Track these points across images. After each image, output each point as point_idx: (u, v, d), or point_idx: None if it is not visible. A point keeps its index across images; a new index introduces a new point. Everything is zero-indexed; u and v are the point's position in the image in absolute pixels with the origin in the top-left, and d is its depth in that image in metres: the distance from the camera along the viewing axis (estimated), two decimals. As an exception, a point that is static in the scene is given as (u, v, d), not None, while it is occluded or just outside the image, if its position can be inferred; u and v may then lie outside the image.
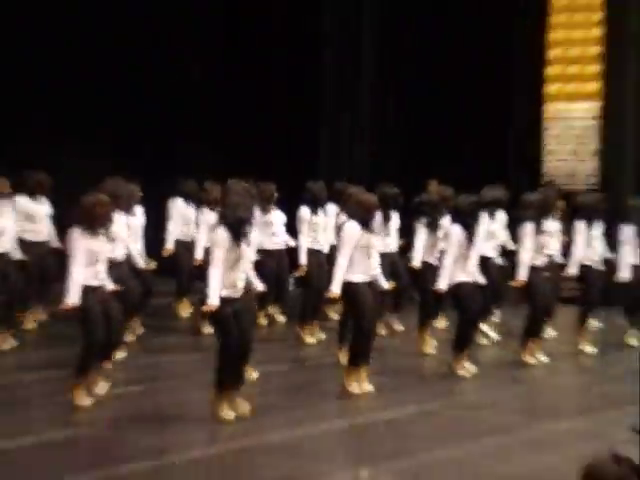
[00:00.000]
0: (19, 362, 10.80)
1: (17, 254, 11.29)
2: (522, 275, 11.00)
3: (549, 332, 12.61)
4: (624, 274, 12.29)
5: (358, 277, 9.33)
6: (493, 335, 12.32)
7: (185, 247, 12.81)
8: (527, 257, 10.98)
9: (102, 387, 9.00)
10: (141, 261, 10.84)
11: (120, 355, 10.20)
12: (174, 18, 18.04)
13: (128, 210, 10.71)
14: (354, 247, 9.26)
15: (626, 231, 12.36)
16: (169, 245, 12.73)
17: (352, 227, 9.33)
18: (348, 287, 9.32)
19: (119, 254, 10.04)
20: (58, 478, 6.97)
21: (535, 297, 11.15)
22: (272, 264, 12.22)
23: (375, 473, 7.25)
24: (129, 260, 10.45)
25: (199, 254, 12.09)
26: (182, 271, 12.87)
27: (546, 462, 7.75)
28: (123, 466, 7.26)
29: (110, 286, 9.13)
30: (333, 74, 18.23)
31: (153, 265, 11.40)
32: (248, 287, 8.61)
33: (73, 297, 8.64)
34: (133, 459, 7.43)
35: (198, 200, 12.78)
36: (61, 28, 16.54)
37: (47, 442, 7.90)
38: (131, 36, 17.11)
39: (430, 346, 11.59)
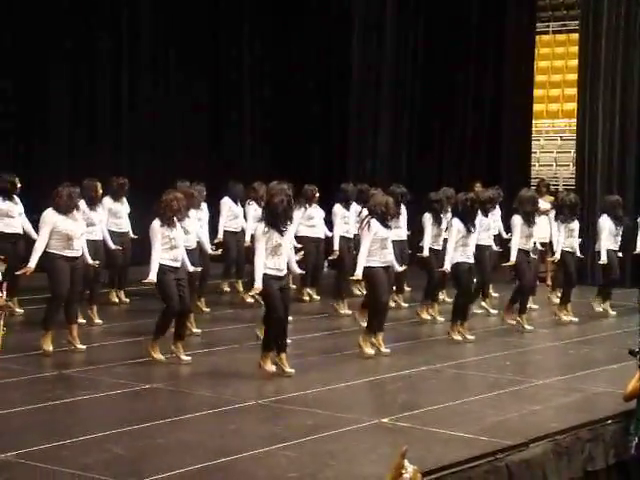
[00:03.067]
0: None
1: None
2: (512, 257, 10.96)
3: (532, 305, 12.53)
4: (603, 258, 12.14)
5: (375, 263, 9.36)
6: (490, 308, 12.24)
7: (232, 237, 12.79)
8: (516, 243, 10.95)
9: (184, 356, 8.99)
10: (209, 248, 10.75)
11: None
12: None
13: (198, 206, 10.75)
14: (373, 240, 9.29)
15: (602, 222, 12.22)
16: (220, 235, 12.70)
17: (374, 224, 9.34)
18: (368, 271, 9.36)
19: (193, 243, 10.00)
20: (138, 421, 6.95)
21: (523, 275, 11.13)
22: (313, 250, 12.28)
23: (393, 420, 7.19)
24: (200, 247, 10.36)
25: (248, 240, 12.21)
26: (229, 257, 12.83)
27: (532, 410, 7.68)
28: (189, 413, 7.25)
29: (190, 268, 9.18)
30: (357, 95, 18.16)
31: (219, 252, 11.37)
32: (289, 270, 8.58)
33: (152, 275, 8.65)
34: (197, 407, 7.42)
35: (245, 198, 12.76)
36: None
37: (131, 393, 7.91)
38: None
39: (431, 315, 11.55)
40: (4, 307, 7.28)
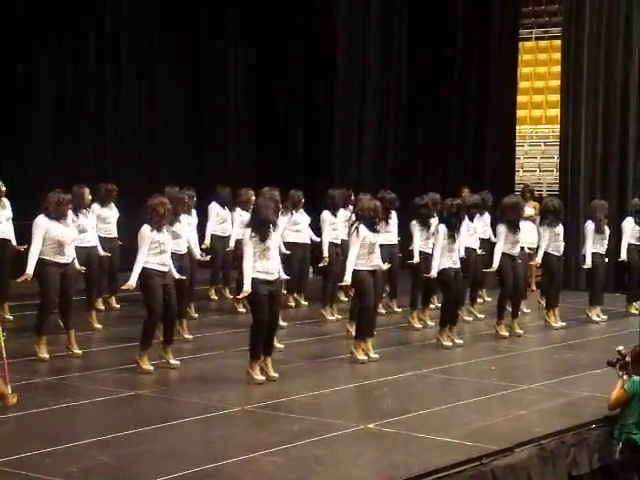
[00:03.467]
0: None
1: None
2: (495, 264, 10.99)
3: (524, 310, 12.56)
4: (588, 262, 12.18)
5: (362, 267, 9.35)
6: (477, 313, 12.27)
7: (220, 242, 12.78)
8: (499, 250, 10.94)
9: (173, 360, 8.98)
10: (198, 253, 10.70)
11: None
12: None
13: (189, 211, 10.76)
14: (361, 245, 9.28)
15: (588, 226, 12.26)
16: (206, 241, 12.68)
17: (362, 229, 9.34)
18: (355, 275, 9.35)
19: (183, 247, 9.97)
20: (124, 428, 6.92)
21: (504, 281, 11.11)
22: (298, 255, 12.27)
23: (379, 426, 7.18)
24: (189, 252, 10.32)
25: (232, 245, 12.38)
26: (216, 263, 12.82)
27: (517, 415, 7.70)
28: (175, 419, 7.23)
29: (176, 275, 9.12)
30: (342, 103, 18.19)
31: (207, 258, 11.33)
32: (277, 275, 8.55)
33: (132, 280, 8.64)
34: (183, 414, 7.40)
35: (232, 203, 12.77)
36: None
37: (116, 400, 7.89)
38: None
39: (420, 322, 11.51)
40: None
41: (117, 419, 7.39)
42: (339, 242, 12.15)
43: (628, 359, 7.50)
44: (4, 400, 7.26)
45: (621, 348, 7.67)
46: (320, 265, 12.28)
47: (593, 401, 8.05)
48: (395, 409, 7.73)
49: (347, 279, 9.39)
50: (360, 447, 6.76)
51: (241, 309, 11.85)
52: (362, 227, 9.36)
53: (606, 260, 12.46)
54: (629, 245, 12.86)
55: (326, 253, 12.10)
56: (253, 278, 8.27)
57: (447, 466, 6.26)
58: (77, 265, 9.54)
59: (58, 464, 6.09)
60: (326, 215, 12.25)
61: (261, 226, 8.34)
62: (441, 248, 10.21)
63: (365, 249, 9.32)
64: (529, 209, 13.24)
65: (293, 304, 12.82)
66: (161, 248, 8.77)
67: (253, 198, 11.93)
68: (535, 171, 20.19)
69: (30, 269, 8.87)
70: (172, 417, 7.28)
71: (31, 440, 6.63)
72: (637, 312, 12.51)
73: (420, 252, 11.41)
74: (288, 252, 11.41)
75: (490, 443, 6.75)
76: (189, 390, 8.25)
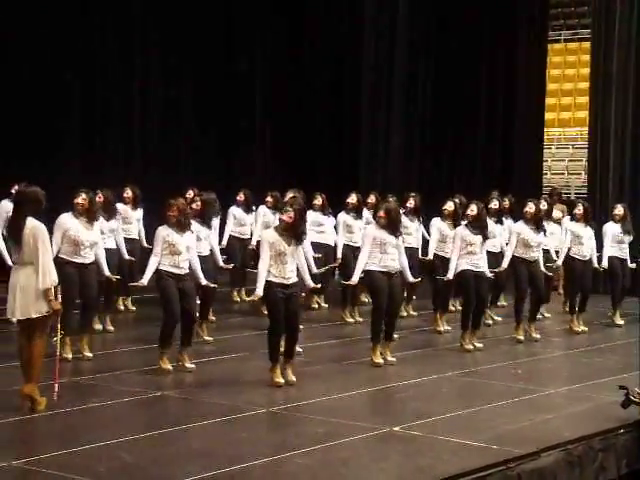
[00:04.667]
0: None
1: None
2: (504, 265, 10.99)
3: (544, 314, 12.50)
4: (604, 263, 12.13)
5: (374, 267, 9.29)
6: (494, 316, 12.24)
7: (238, 244, 12.89)
8: (510, 253, 10.91)
9: (189, 364, 9.02)
10: (221, 260, 10.66)
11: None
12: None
13: (217, 215, 10.80)
14: (373, 245, 9.24)
15: (605, 228, 12.21)
16: (224, 242, 12.70)
17: (371, 229, 9.41)
18: (366, 275, 9.35)
19: (203, 250, 9.97)
20: (149, 429, 6.96)
21: (518, 284, 11.05)
22: (322, 257, 12.26)
23: (405, 428, 7.18)
24: (212, 256, 10.33)
25: (253, 243, 12.54)
26: (235, 265, 12.86)
27: (544, 419, 7.66)
28: (200, 420, 7.25)
29: (203, 281, 9.15)
30: (368, 105, 18.20)
31: (230, 266, 11.36)
32: (295, 279, 8.43)
33: (144, 279, 8.77)
34: (208, 415, 7.42)
35: (252, 205, 12.94)
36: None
37: (141, 400, 7.93)
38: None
39: (442, 325, 11.48)
40: (57, 311, 7.33)
41: (143, 420, 7.45)
42: (357, 245, 12.12)
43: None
44: (34, 402, 7.32)
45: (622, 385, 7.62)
46: (331, 266, 12.20)
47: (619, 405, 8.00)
48: (420, 412, 7.72)
49: (354, 279, 9.43)
50: (385, 450, 6.76)
51: (265, 310, 11.86)
52: (371, 227, 9.44)
53: (631, 265, 12.36)
54: None
55: (340, 254, 12.08)
56: (268, 281, 8.24)
57: (473, 470, 6.24)
58: (107, 272, 9.49)
59: (85, 464, 6.12)
60: (342, 217, 12.23)
61: (289, 231, 8.30)
62: (459, 251, 10.20)
63: (377, 249, 9.26)
64: (557, 212, 13.19)
65: (316, 306, 12.86)
66: (172, 249, 8.74)
67: (281, 199, 11.94)
68: (563, 174, 20.12)
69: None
70: (197, 418, 7.30)
71: (58, 440, 6.69)
72: None
73: (436, 255, 11.40)
74: (318, 255, 11.37)
75: (516, 447, 6.73)
76: (213, 391, 8.27)
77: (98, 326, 10.74)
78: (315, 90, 18.28)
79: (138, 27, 16.26)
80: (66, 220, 9.02)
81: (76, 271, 9.01)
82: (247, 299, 11.88)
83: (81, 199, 9.03)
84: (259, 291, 8.26)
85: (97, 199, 9.91)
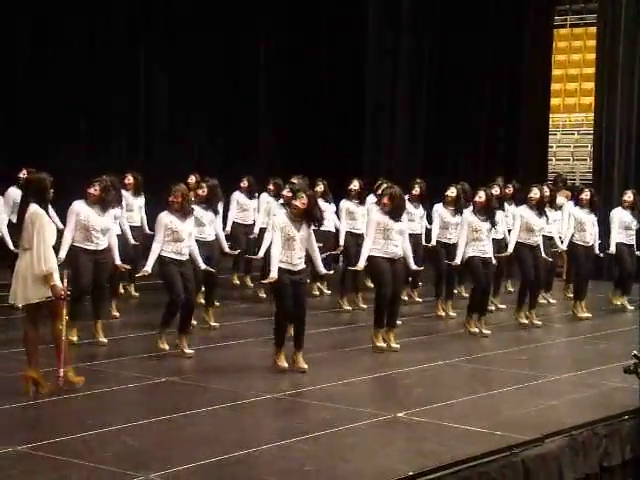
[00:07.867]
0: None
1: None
2: (510, 249, 11.05)
3: (549, 300, 12.54)
4: (612, 249, 12.16)
5: (377, 252, 9.35)
6: (497, 303, 12.28)
7: (241, 229, 12.92)
8: (515, 237, 10.96)
9: (187, 349, 9.07)
10: (226, 246, 10.69)
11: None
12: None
13: (221, 199, 10.82)
14: (377, 230, 9.28)
15: (613, 214, 12.24)
16: (227, 228, 12.72)
17: (374, 214, 9.44)
18: (369, 261, 9.39)
19: (207, 235, 10.04)
20: (154, 414, 7.02)
21: (523, 269, 11.09)
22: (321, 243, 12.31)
23: (409, 414, 7.23)
24: (217, 242, 10.38)
25: (256, 232, 12.53)
26: (240, 250, 12.88)
27: (548, 405, 7.71)
28: (205, 407, 7.30)
29: (202, 266, 9.24)
30: (373, 90, 18.21)
31: (236, 252, 11.40)
32: (303, 266, 8.51)
33: (147, 266, 8.81)
34: (213, 401, 7.47)
35: (259, 190, 12.93)
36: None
37: (146, 386, 7.99)
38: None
39: (444, 311, 11.54)
40: (60, 296, 7.36)
41: (148, 405, 7.50)
42: (360, 232, 12.16)
43: None
44: (38, 386, 7.38)
45: (637, 352, 7.62)
46: (333, 253, 12.24)
47: (625, 392, 8.04)
48: (425, 398, 7.77)
49: (360, 264, 9.45)
50: (390, 436, 6.81)
51: (262, 294, 11.97)
52: (374, 212, 9.44)
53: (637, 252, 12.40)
54: None
55: (342, 241, 12.08)
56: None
57: (477, 455, 6.29)
58: (118, 261, 9.54)
59: (90, 449, 6.18)
60: (343, 203, 12.19)
61: (304, 217, 8.37)
62: (466, 237, 10.24)
63: (380, 235, 9.30)
64: (561, 198, 13.21)
65: (318, 293, 12.89)
66: (174, 236, 8.82)
67: (283, 186, 11.97)
68: (568, 160, 20.09)
69: (63, 254, 8.95)
70: (202, 404, 7.35)
71: (64, 425, 6.74)
72: None
73: (439, 242, 11.47)
74: (321, 244, 11.39)
75: (521, 433, 6.77)
76: (218, 377, 8.33)
77: (115, 312, 10.82)
78: (318, 75, 18.29)
79: (140, 17, 16.31)
80: (78, 206, 9.08)
81: (88, 257, 9.07)
82: (259, 285, 11.84)
83: (93, 189, 9.07)
84: (274, 274, 8.27)
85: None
